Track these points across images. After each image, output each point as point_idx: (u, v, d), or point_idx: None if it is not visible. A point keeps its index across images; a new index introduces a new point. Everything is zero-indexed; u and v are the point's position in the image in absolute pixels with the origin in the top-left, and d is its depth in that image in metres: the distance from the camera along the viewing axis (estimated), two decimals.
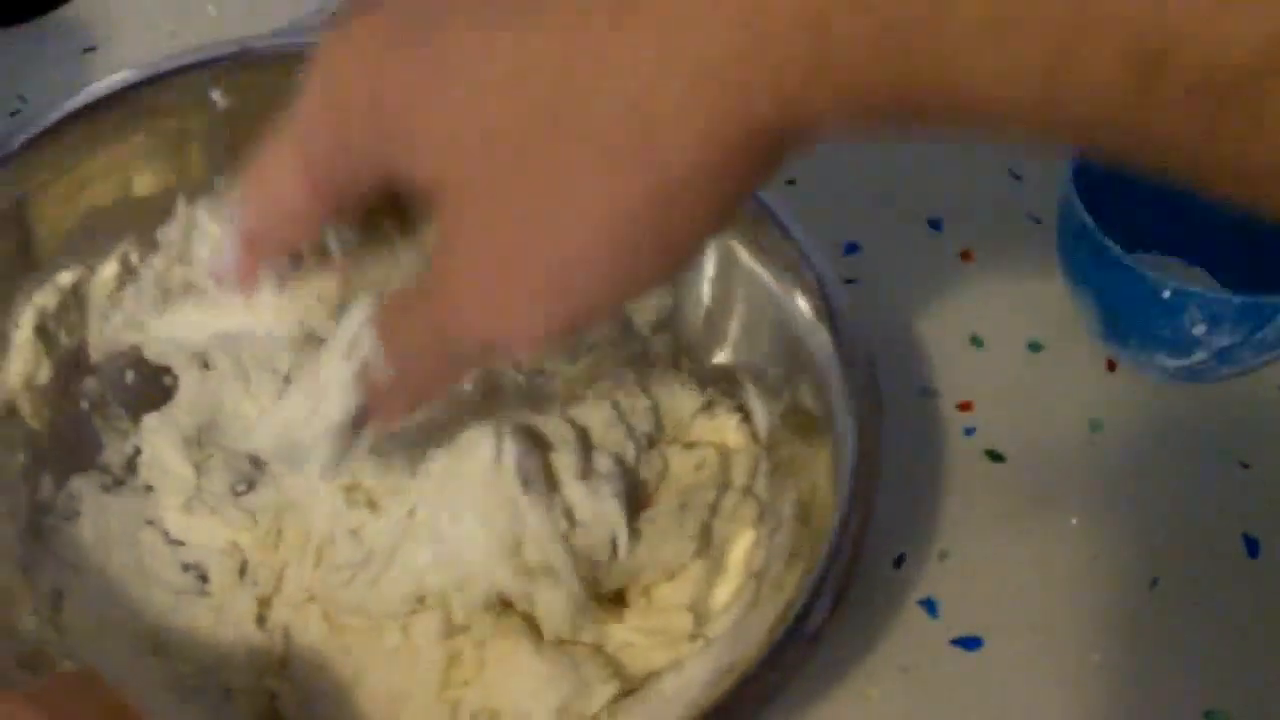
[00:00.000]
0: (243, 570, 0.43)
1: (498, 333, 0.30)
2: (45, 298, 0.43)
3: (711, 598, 0.41)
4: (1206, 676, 0.41)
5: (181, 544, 0.43)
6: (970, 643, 0.42)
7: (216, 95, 0.45)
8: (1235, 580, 0.44)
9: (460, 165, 0.29)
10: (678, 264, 0.30)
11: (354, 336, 0.32)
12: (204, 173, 0.45)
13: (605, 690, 0.38)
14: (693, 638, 0.40)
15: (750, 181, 0.28)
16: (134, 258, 0.45)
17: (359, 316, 0.32)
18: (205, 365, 0.45)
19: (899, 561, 0.44)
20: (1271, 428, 0.48)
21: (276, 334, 0.36)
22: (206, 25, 0.61)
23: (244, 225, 0.33)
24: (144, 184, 0.45)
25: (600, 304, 0.30)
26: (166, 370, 0.45)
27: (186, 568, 0.43)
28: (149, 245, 0.44)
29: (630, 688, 0.39)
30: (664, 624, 0.40)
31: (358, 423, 0.33)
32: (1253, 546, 0.45)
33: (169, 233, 0.42)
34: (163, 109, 0.45)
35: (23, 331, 0.43)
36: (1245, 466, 0.47)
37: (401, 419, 0.35)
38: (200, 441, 0.45)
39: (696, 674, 0.37)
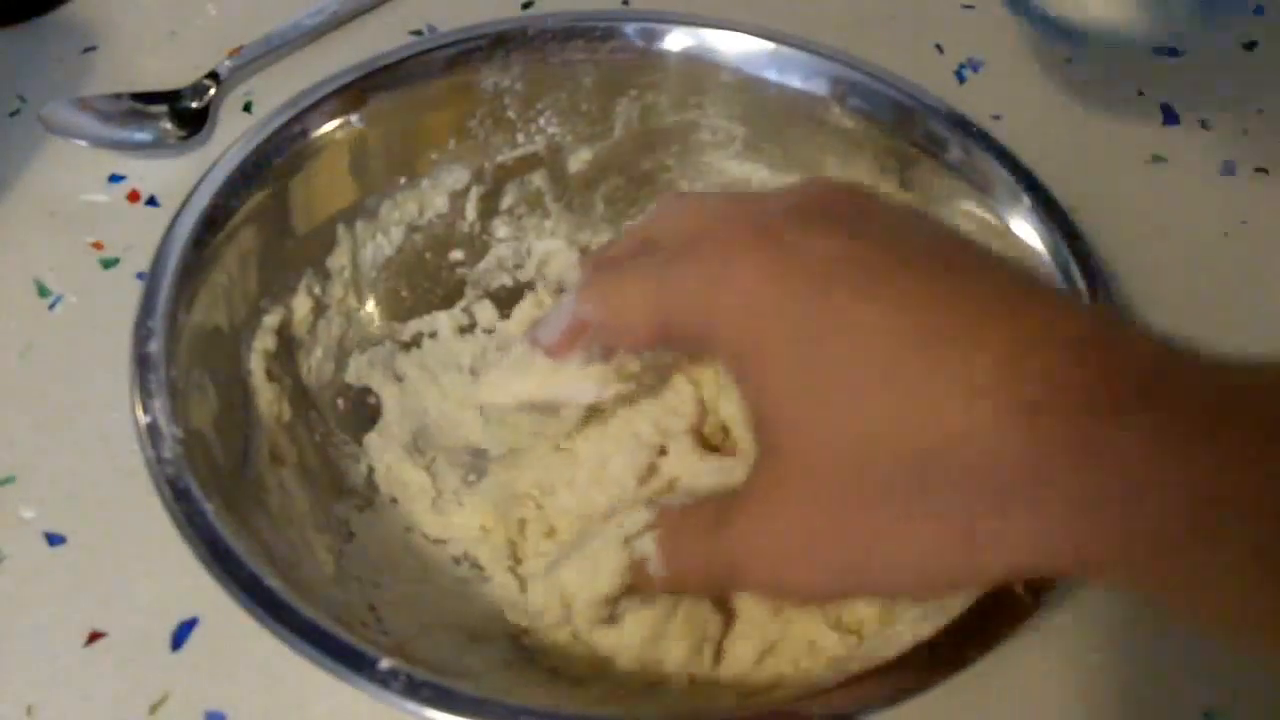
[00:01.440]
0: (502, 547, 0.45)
1: (769, 590, 0.37)
2: (264, 341, 0.45)
3: None
4: (1206, 676, 0.41)
5: (444, 541, 0.45)
6: None
7: (355, 119, 0.47)
8: None
9: (811, 455, 0.32)
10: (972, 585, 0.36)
11: (636, 531, 0.38)
12: (354, 196, 0.48)
13: None
14: None
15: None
16: (317, 289, 0.47)
17: (644, 517, 0.38)
18: (398, 379, 0.49)
19: None
20: None
21: (577, 401, 0.41)
22: (206, 25, 0.61)
23: (581, 318, 0.38)
24: (305, 216, 0.47)
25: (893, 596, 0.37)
26: (368, 390, 0.49)
27: (457, 561, 0.45)
28: (325, 275, 0.48)
29: None
30: None
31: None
32: None
33: (337, 260, 0.48)
34: (308, 140, 0.47)
35: (257, 375, 0.44)
36: None
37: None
38: (419, 447, 0.47)
39: None
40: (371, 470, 0.47)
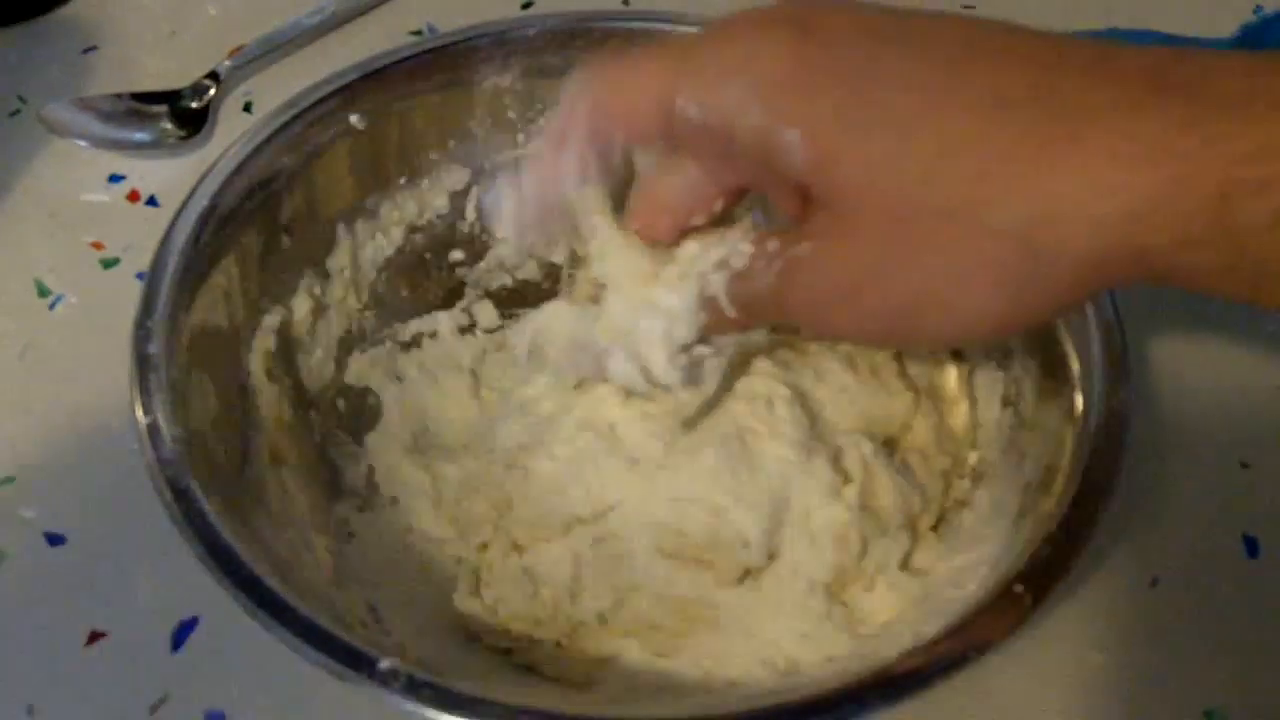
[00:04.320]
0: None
1: (830, 332, 0.36)
2: (264, 341, 0.45)
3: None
4: (1206, 676, 0.42)
5: (444, 541, 0.45)
6: None
7: (355, 119, 0.47)
8: (1235, 580, 0.44)
9: (863, 206, 0.31)
10: (1013, 331, 0.35)
11: (706, 280, 0.35)
12: (355, 197, 0.48)
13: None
14: None
15: (1109, 285, 0.34)
16: (317, 290, 0.47)
17: (718, 253, 0.35)
18: (399, 379, 0.49)
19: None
20: (1271, 428, 0.48)
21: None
22: (207, 25, 0.61)
23: (577, 99, 0.35)
24: (303, 218, 0.47)
25: (934, 345, 0.38)
26: (368, 390, 0.48)
27: (458, 561, 0.44)
28: (325, 275, 0.47)
29: None
30: None
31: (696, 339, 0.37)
32: (1253, 546, 0.45)
33: (337, 260, 0.47)
34: (308, 140, 0.46)
35: (257, 376, 0.44)
36: (1245, 466, 0.47)
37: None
38: (419, 447, 0.47)
39: None
40: (372, 470, 0.47)
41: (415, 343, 0.50)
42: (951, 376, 0.46)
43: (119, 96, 0.57)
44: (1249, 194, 0.28)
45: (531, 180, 0.37)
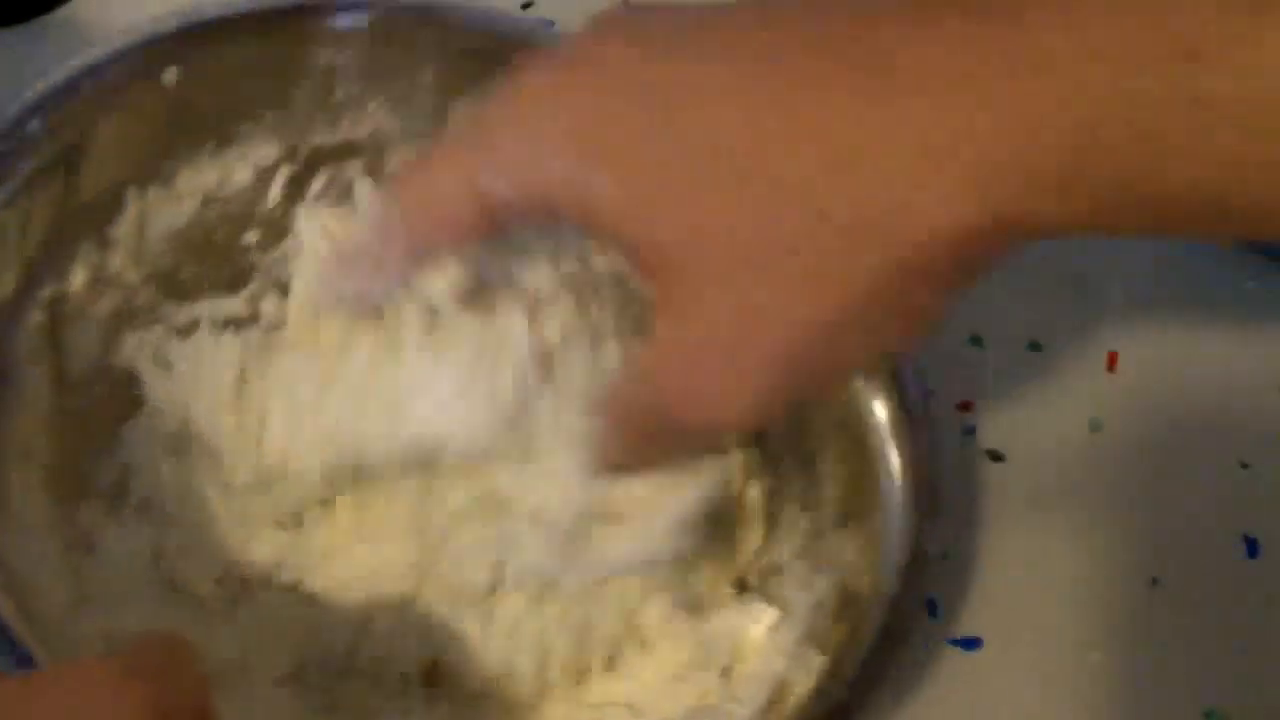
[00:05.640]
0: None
1: (724, 415, 0.31)
2: (36, 316, 0.40)
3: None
4: (1206, 676, 0.41)
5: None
6: (970, 643, 0.42)
7: (168, 74, 0.42)
8: (1235, 580, 0.44)
9: (691, 253, 0.29)
10: (912, 335, 0.31)
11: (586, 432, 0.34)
12: (152, 159, 0.43)
13: None
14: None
15: (982, 263, 0.30)
16: (95, 259, 0.42)
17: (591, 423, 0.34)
18: (168, 366, 0.44)
19: None
20: (1271, 428, 0.48)
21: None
22: None
23: (382, 223, 0.33)
24: (93, 178, 0.42)
25: (829, 379, 0.32)
26: (132, 375, 0.43)
27: (219, 582, 0.41)
28: (106, 244, 0.42)
29: None
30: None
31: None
32: (1253, 546, 0.45)
33: (121, 227, 0.42)
34: (112, 95, 0.42)
35: (20, 355, 0.40)
36: (1245, 466, 0.47)
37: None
38: (178, 449, 0.42)
39: None
40: (126, 469, 0.42)
41: (192, 328, 0.44)
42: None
43: None
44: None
45: (346, 284, 0.35)
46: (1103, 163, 0.27)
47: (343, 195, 0.45)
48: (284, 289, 0.44)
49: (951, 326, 0.50)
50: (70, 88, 0.41)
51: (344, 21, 0.44)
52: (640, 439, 0.33)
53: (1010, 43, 0.27)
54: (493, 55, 0.42)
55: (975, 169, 0.27)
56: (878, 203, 0.27)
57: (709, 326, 0.29)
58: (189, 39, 0.43)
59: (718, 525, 0.39)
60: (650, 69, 0.29)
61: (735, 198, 0.28)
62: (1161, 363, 0.49)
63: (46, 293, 0.41)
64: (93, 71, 0.41)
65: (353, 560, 0.39)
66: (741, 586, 0.41)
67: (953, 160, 0.27)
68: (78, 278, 0.41)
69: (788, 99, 0.28)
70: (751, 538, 0.42)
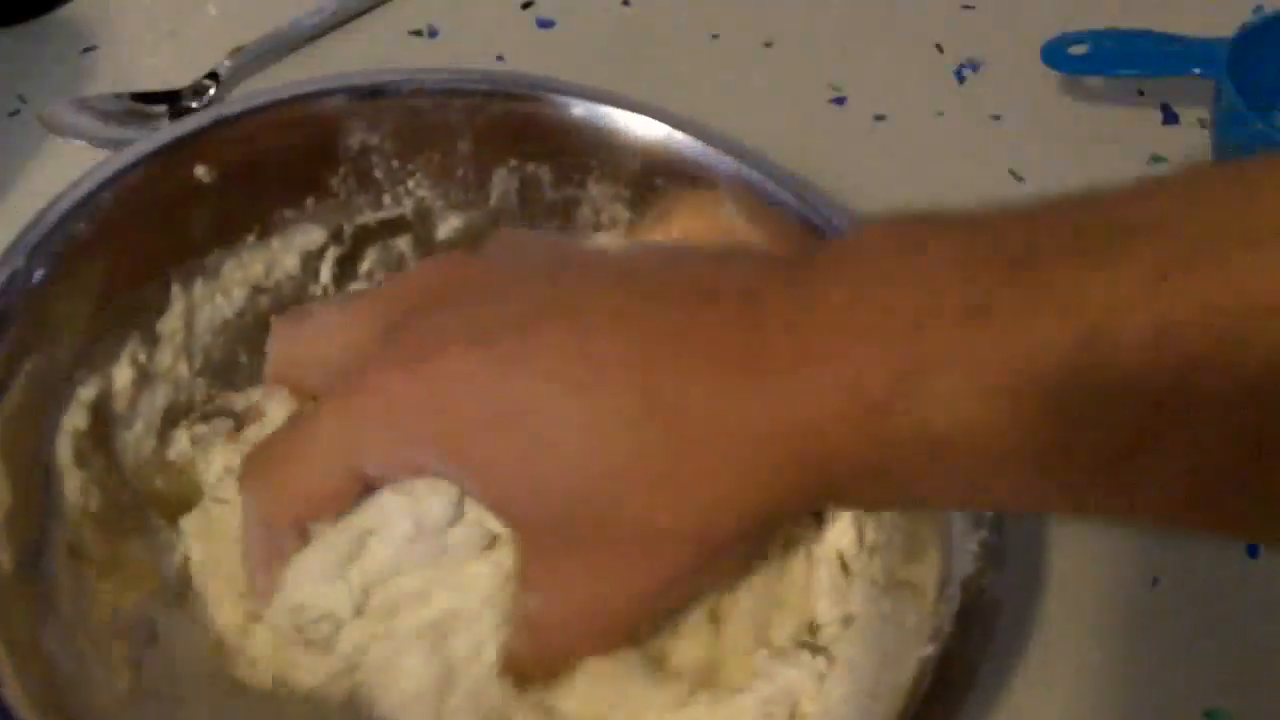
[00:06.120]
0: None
1: (601, 652, 0.36)
2: (75, 419, 0.40)
3: None
4: (1206, 676, 0.42)
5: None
6: None
7: (201, 171, 0.43)
8: (1235, 580, 0.44)
9: (535, 516, 0.33)
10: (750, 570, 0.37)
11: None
12: (195, 254, 0.44)
13: None
14: None
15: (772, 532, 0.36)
16: (142, 357, 0.42)
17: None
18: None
19: None
20: None
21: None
22: (206, 25, 0.61)
23: (258, 523, 0.37)
24: (133, 274, 0.42)
25: (662, 619, 0.37)
26: (190, 467, 0.43)
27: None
28: (153, 340, 0.43)
29: None
30: None
31: None
32: (1253, 546, 0.45)
33: (168, 323, 0.43)
34: (148, 192, 0.43)
35: (62, 459, 0.39)
36: None
37: None
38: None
39: None
40: (187, 560, 0.41)
41: (250, 418, 0.43)
42: None
43: (119, 96, 0.57)
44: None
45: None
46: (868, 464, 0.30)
47: (394, 268, 0.47)
48: None
49: None
50: (102, 188, 0.42)
51: (374, 101, 0.45)
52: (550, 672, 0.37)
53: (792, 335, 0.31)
54: (525, 120, 0.46)
55: (780, 473, 0.31)
56: (689, 503, 0.32)
57: (564, 600, 0.34)
58: (219, 133, 0.44)
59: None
60: (498, 382, 0.32)
61: (578, 494, 0.32)
62: None
63: (90, 392, 0.41)
64: (125, 172, 0.42)
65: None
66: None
67: (769, 450, 0.31)
68: (123, 376, 0.42)
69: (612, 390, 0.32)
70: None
